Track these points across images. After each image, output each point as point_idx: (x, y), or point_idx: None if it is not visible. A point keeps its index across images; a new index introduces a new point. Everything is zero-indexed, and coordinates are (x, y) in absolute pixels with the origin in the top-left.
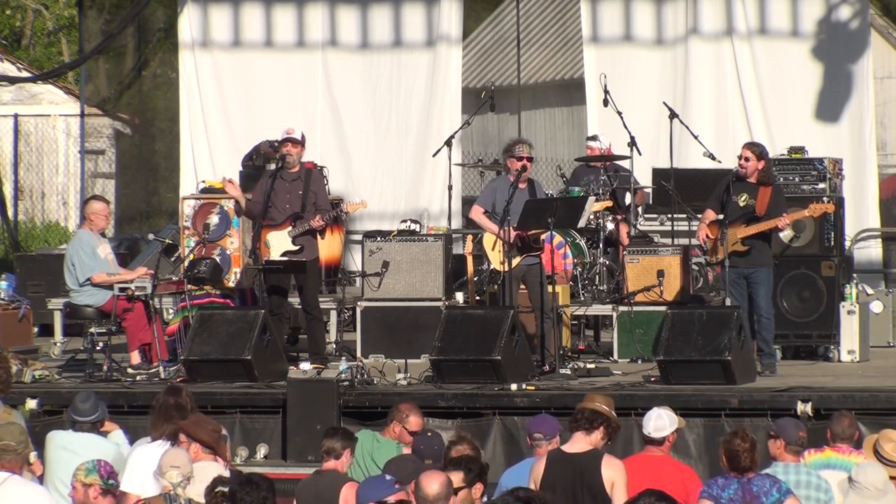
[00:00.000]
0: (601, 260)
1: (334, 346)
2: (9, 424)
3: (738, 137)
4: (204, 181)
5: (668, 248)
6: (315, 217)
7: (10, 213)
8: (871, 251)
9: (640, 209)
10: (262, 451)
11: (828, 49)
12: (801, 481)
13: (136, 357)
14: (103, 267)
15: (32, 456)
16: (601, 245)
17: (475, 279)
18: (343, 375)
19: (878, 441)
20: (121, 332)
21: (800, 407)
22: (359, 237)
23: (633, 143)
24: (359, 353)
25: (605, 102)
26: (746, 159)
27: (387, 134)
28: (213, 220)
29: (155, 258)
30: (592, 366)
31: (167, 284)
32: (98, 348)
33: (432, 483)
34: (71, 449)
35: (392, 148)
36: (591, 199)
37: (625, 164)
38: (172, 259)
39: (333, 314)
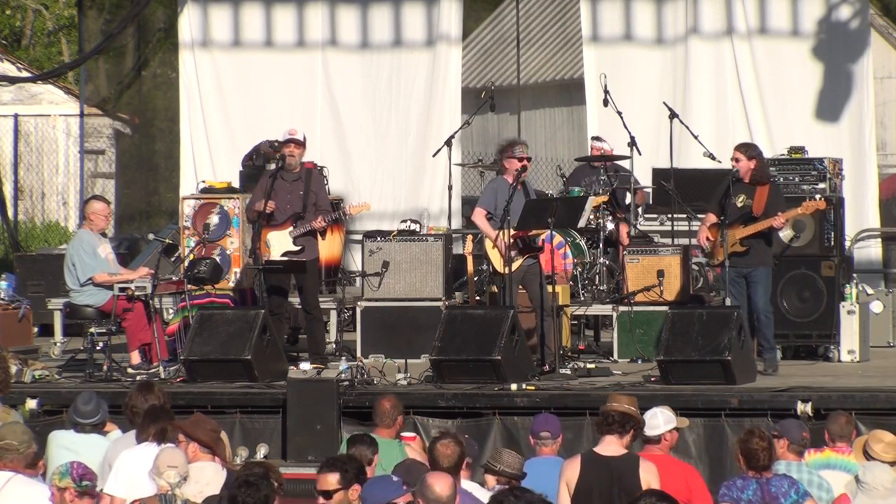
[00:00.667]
0: (601, 260)
1: (334, 346)
2: (12, 424)
3: (738, 137)
4: (204, 181)
5: (668, 248)
6: (317, 218)
7: (10, 213)
8: (870, 251)
9: (640, 209)
10: (262, 451)
11: (828, 49)
12: (804, 480)
13: (136, 357)
14: (104, 267)
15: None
16: (601, 245)
17: (475, 279)
18: (343, 375)
19: (868, 441)
20: (121, 332)
21: (800, 407)
22: (359, 237)
23: (633, 143)
24: (359, 353)
25: (605, 102)
26: (737, 160)
27: (387, 134)
28: (213, 220)
29: (155, 258)
30: (592, 366)
31: (167, 284)
32: (98, 348)
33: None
34: (73, 449)
35: (392, 148)
36: (591, 198)
37: (625, 164)
38: (172, 259)
39: (333, 314)
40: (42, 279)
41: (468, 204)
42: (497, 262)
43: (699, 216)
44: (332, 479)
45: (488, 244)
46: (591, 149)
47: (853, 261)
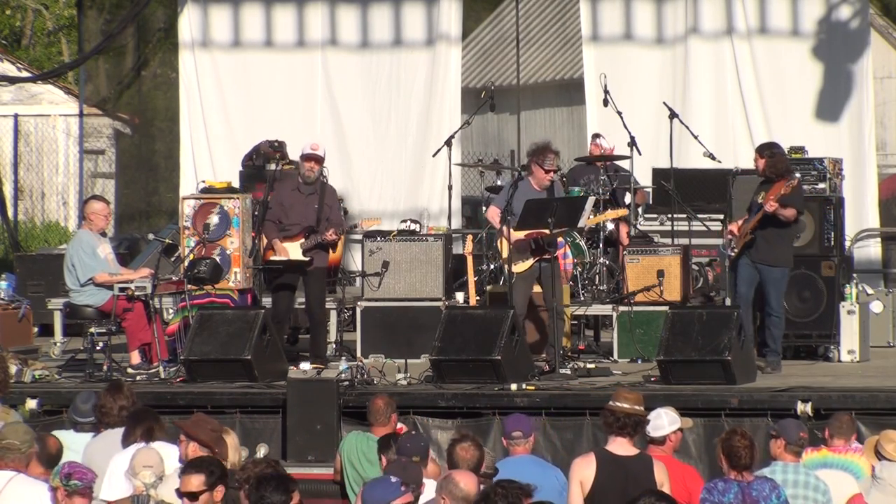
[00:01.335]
0: (601, 260)
1: (334, 346)
2: (14, 424)
3: (738, 137)
4: (204, 181)
5: (668, 248)
6: (328, 231)
7: (10, 213)
8: (870, 251)
9: (640, 209)
10: (261, 451)
11: (828, 49)
12: (800, 481)
13: (136, 357)
14: (104, 267)
15: None
16: (601, 245)
17: (475, 279)
18: (343, 375)
19: (880, 441)
20: (121, 332)
21: (800, 407)
22: (359, 237)
23: (633, 143)
24: (359, 353)
25: (605, 102)
26: (755, 160)
27: (386, 133)
28: (213, 220)
29: (155, 258)
30: (592, 366)
31: (167, 284)
32: (98, 348)
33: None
34: (74, 449)
35: (392, 147)
36: (591, 198)
37: (625, 163)
38: (172, 259)
39: (333, 314)
40: (42, 279)
41: (468, 204)
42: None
43: (699, 216)
44: (196, 481)
45: (503, 244)
46: (592, 146)
47: (853, 261)
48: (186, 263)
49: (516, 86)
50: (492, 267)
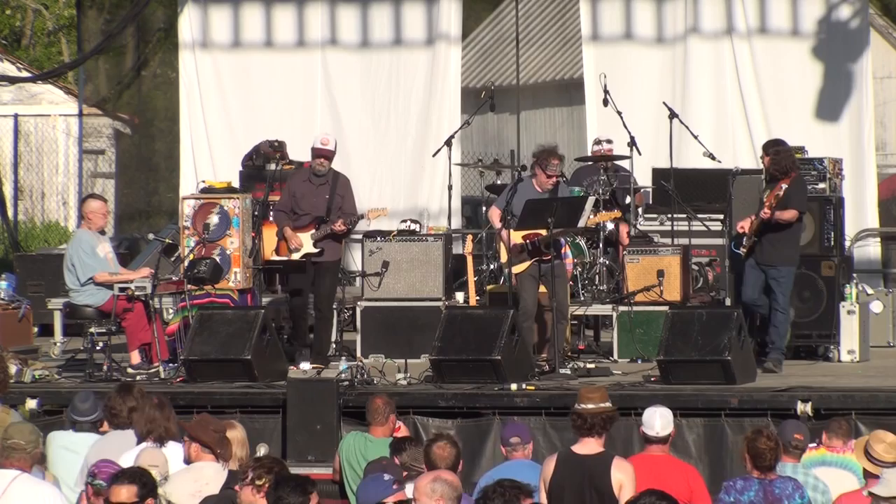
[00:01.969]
0: (601, 260)
1: (334, 346)
2: (20, 423)
3: (738, 137)
4: (204, 181)
5: (668, 248)
6: (337, 221)
7: (10, 213)
8: (870, 251)
9: (639, 209)
10: (261, 451)
11: (828, 49)
12: (800, 482)
13: (136, 357)
14: (104, 266)
15: None
16: (601, 245)
17: (475, 279)
18: (343, 375)
19: (869, 442)
20: (121, 332)
21: (800, 407)
22: (358, 237)
23: (632, 143)
24: (359, 353)
25: (605, 102)
26: (761, 158)
27: (386, 133)
28: (213, 220)
29: (155, 258)
30: (592, 366)
31: (167, 284)
32: (98, 348)
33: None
34: (72, 449)
35: (391, 147)
36: (591, 198)
37: (624, 163)
38: (172, 259)
39: (334, 314)
40: (42, 279)
41: (468, 204)
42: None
43: (699, 216)
44: (128, 492)
45: (501, 246)
46: (594, 152)
47: (853, 261)
48: (186, 263)
49: (516, 86)
50: (492, 267)
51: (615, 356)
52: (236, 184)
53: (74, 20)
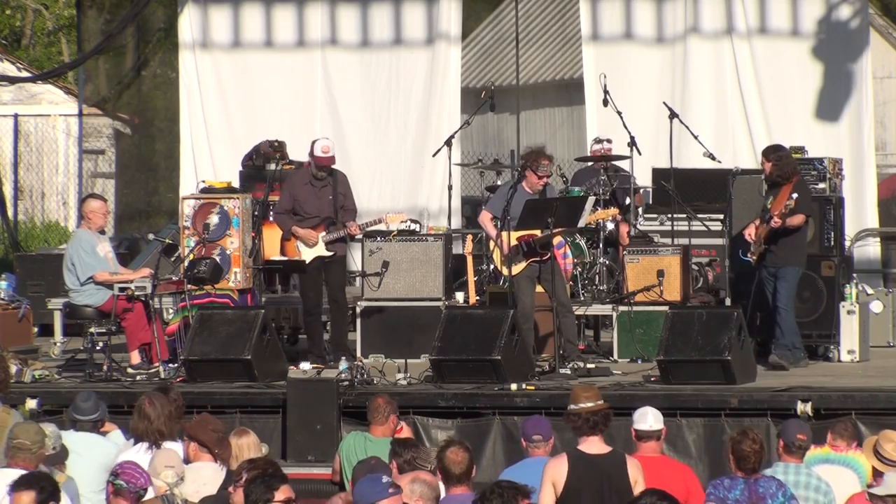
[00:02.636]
0: (601, 260)
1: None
2: (26, 424)
3: (738, 137)
4: (204, 181)
5: (668, 248)
6: (352, 225)
7: (10, 213)
8: (870, 251)
9: (639, 209)
10: (262, 450)
11: (827, 49)
12: (801, 482)
13: (136, 357)
14: (104, 265)
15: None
16: (601, 245)
17: (475, 279)
18: (343, 375)
19: (878, 441)
20: (121, 332)
21: (800, 407)
22: (359, 237)
23: (632, 143)
24: (359, 353)
25: (605, 102)
26: (761, 164)
27: (386, 133)
28: (213, 220)
29: (155, 258)
30: (592, 366)
31: (167, 284)
32: (98, 348)
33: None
34: (73, 449)
35: (391, 147)
36: (591, 198)
37: (624, 164)
38: (172, 259)
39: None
40: (42, 279)
41: (468, 204)
42: (500, 264)
43: (699, 216)
44: (27, 498)
45: (493, 247)
46: (594, 151)
47: (853, 261)
48: (186, 263)
49: (516, 86)
50: (491, 267)
51: (615, 356)
52: (236, 184)
53: (74, 20)
